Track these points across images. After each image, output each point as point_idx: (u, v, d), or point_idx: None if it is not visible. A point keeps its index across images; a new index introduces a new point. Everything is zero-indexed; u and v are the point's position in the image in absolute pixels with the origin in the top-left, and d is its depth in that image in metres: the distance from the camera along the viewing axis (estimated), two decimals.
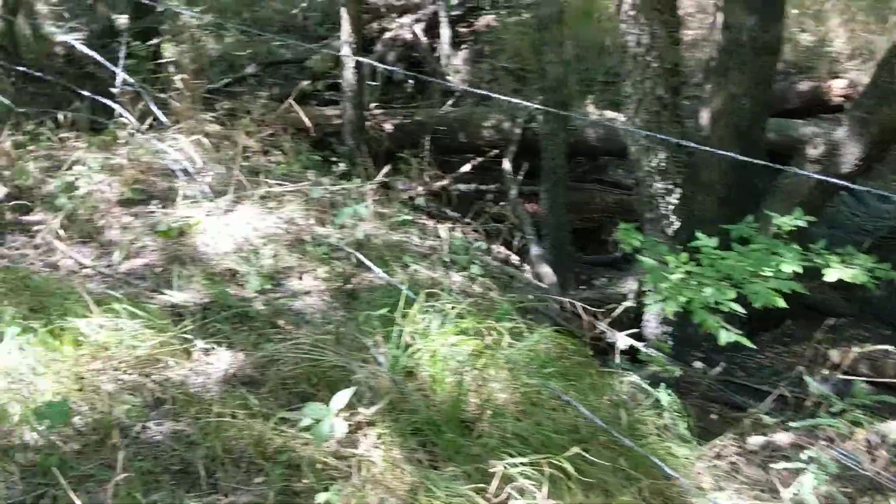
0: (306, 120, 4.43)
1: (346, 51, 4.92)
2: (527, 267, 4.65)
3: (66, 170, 4.00)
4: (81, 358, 2.43)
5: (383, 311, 2.63)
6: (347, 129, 5.03)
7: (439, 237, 4.07)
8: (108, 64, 4.15)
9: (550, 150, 4.62)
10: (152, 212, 3.68)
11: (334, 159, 4.99)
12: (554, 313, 3.65)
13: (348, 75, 4.97)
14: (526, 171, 5.27)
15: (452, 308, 2.68)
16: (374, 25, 8.11)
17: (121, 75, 4.09)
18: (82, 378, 2.34)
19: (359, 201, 3.83)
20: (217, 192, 3.82)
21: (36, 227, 3.54)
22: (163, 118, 3.93)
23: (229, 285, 3.19)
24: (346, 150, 4.98)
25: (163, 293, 3.07)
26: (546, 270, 4.30)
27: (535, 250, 4.52)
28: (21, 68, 5.25)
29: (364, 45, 7.88)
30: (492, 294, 3.42)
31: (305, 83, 5.11)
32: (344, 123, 5.05)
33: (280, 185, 3.91)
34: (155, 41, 4.74)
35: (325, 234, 3.64)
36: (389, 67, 5.60)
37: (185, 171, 4.00)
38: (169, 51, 5.08)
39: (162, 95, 4.55)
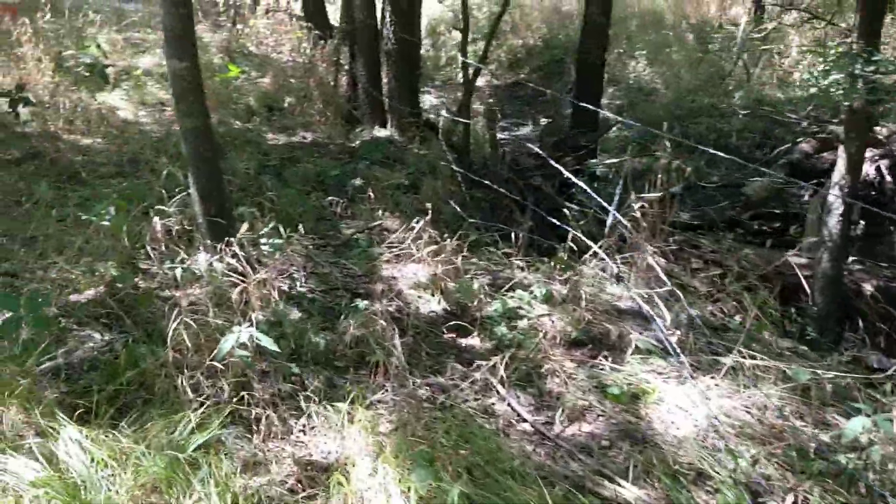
0: (806, 285, 3.62)
1: (836, 192, 4.02)
2: None
3: (507, 291, 3.70)
4: None
5: None
6: (819, 285, 4.09)
7: None
8: (594, 195, 3.73)
9: None
10: (600, 363, 3.14)
11: (798, 319, 4.07)
12: None
13: (832, 222, 4.04)
14: None
15: None
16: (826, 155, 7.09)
17: (614, 216, 3.60)
18: None
19: (864, 401, 2.87)
20: (675, 348, 3.16)
21: (473, 357, 3.19)
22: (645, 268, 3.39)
23: (694, 489, 2.47)
24: (816, 311, 4.02)
25: (614, 482, 2.46)
26: None
27: None
28: (470, 175, 5.23)
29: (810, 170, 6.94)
30: None
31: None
32: (815, 277, 4.12)
33: (755, 357, 3.11)
34: (616, 160, 4.30)
35: (816, 438, 2.75)
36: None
37: (640, 317, 3.42)
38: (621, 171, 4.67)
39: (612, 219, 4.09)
